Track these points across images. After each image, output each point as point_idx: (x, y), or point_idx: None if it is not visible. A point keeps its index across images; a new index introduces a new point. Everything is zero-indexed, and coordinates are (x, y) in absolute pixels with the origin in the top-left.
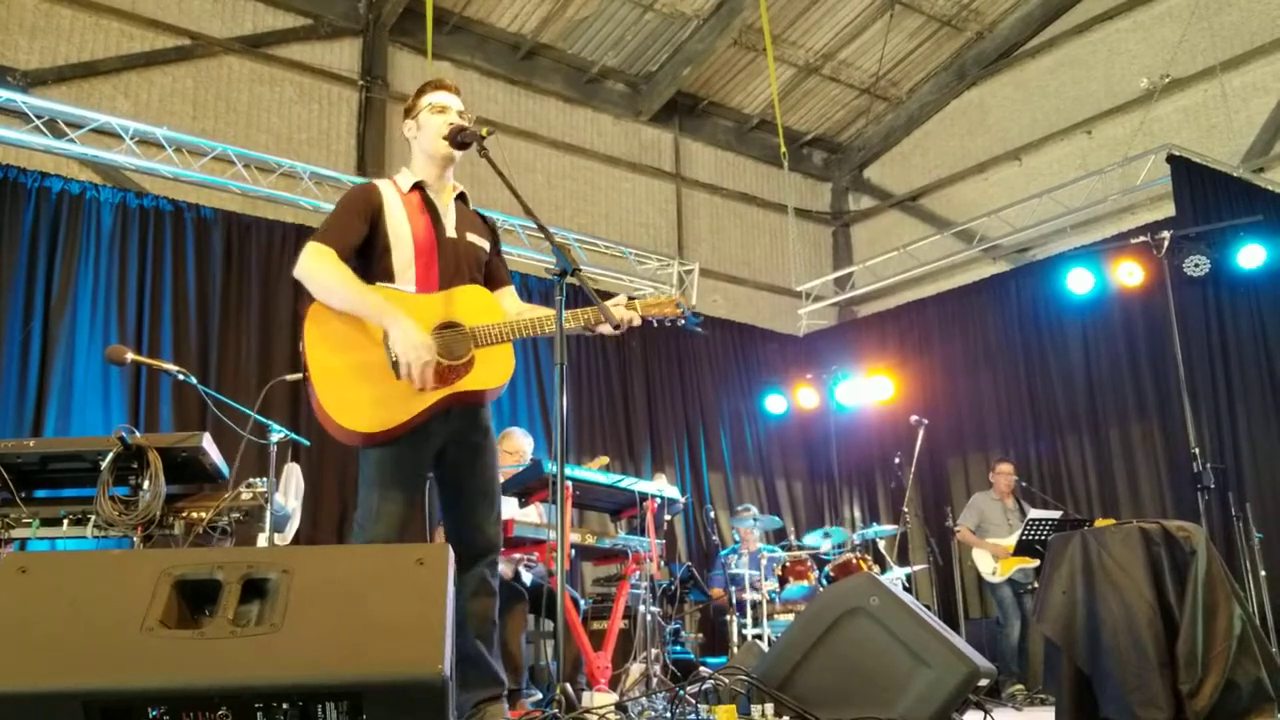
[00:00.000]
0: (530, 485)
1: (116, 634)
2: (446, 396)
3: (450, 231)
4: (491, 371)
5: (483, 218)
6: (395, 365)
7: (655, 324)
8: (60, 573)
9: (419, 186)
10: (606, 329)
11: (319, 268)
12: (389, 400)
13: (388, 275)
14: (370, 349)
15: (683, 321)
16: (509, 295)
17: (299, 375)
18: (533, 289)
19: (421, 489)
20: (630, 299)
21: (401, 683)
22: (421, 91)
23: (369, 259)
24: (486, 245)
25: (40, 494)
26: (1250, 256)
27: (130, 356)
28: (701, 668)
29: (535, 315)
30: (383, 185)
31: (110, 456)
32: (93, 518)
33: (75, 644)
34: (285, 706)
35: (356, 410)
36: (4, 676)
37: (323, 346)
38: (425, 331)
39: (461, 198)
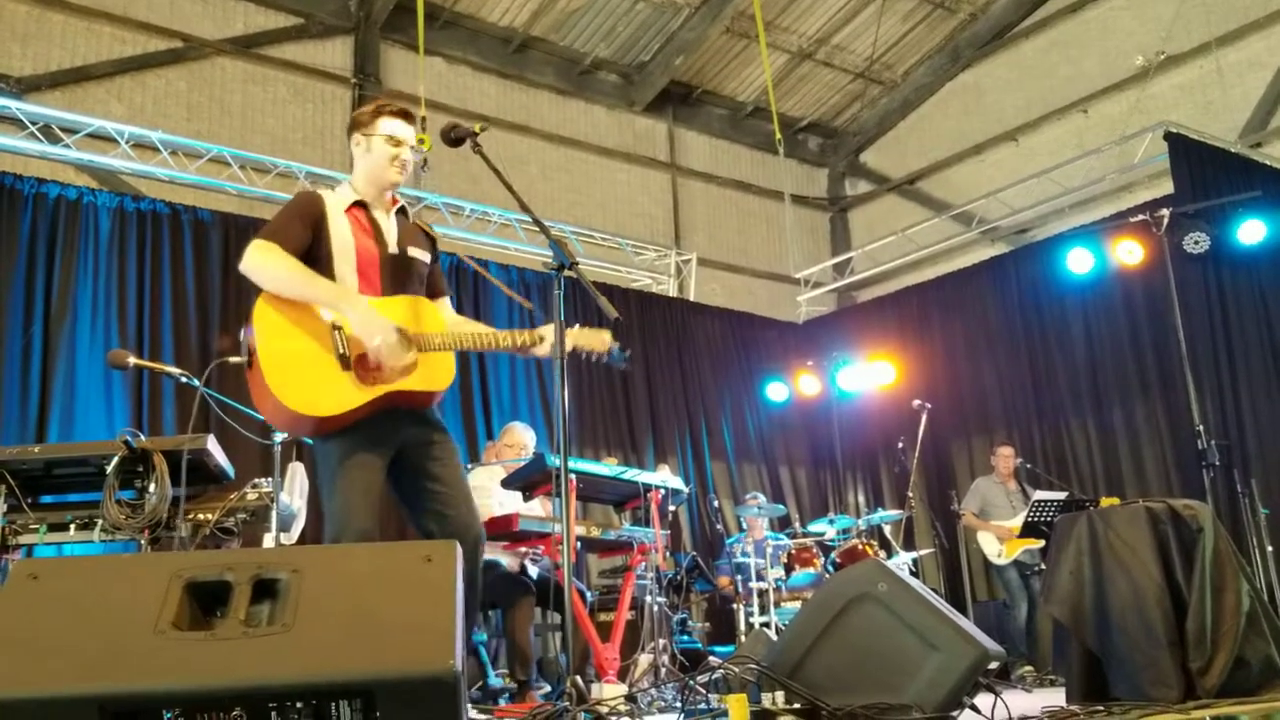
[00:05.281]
0: (534, 479)
1: (129, 638)
2: (388, 394)
3: (393, 247)
4: (433, 375)
5: (424, 230)
6: (342, 357)
7: (583, 358)
8: (71, 578)
9: (361, 205)
10: (541, 351)
11: (267, 260)
12: (333, 389)
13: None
14: (316, 339)
15: (608, 359)
16: (445, 306)
17: (242, 359)
18: (530, 283)
19: (382, 485)
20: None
21: (414, 679)
22: (378, 112)
23: (308, 263)
24: (428, 258)
25: (46, 500)
26: (1250, 232)
27: (132, 360)
28: (711, 657)
29: (474, 329)
30: (328, 196)
31: (115, 460)
32: (99, 522)
33: (88, 649)
34: (299, 706)
35: (303, 396)
36: (18, 682)
37: (271, 334)
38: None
39: (402, 211)
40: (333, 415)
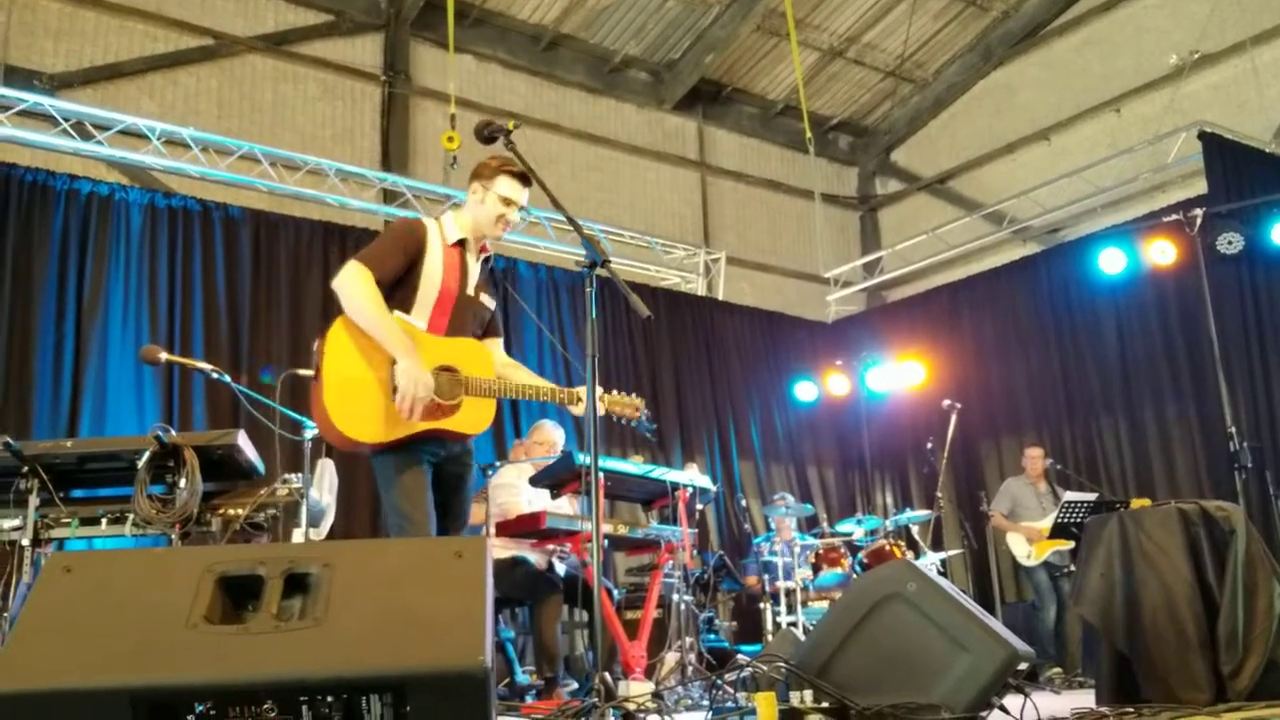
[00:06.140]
0: (562, 477)
1: (162, 631)
2: (431, 429)
3: (469, 290)
4: (474, 419)
5: (493, 275)
6: (395, 390)
7: (614, 420)
8: (105, 571)
9: (461, 244)
10: (577, 410)
11: (357, 286)
12: (383, 418)
13: (405, 306)
14: (379, 369)
15: (636, 425)
16: (496, 347)
17: (310, 372)
18: (559, 282)
19: (429, 488)
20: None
21: (444, 674)
22: (504, 166)
23: (394, 286)
24: (493, 305)
25: (77, 494)
26: None
27: (164, 356)
28: (739, 655)
29: (521, 381)
30: (431, 227)
31: (147, 455)
32: (130, 516)
33: (122, 641)
34: (330, 699)
35: (354, 419)
36: (52, 674)
37: (339, 356)
38: (428, 371)
39: (486, 259)
40: (376, 442)
